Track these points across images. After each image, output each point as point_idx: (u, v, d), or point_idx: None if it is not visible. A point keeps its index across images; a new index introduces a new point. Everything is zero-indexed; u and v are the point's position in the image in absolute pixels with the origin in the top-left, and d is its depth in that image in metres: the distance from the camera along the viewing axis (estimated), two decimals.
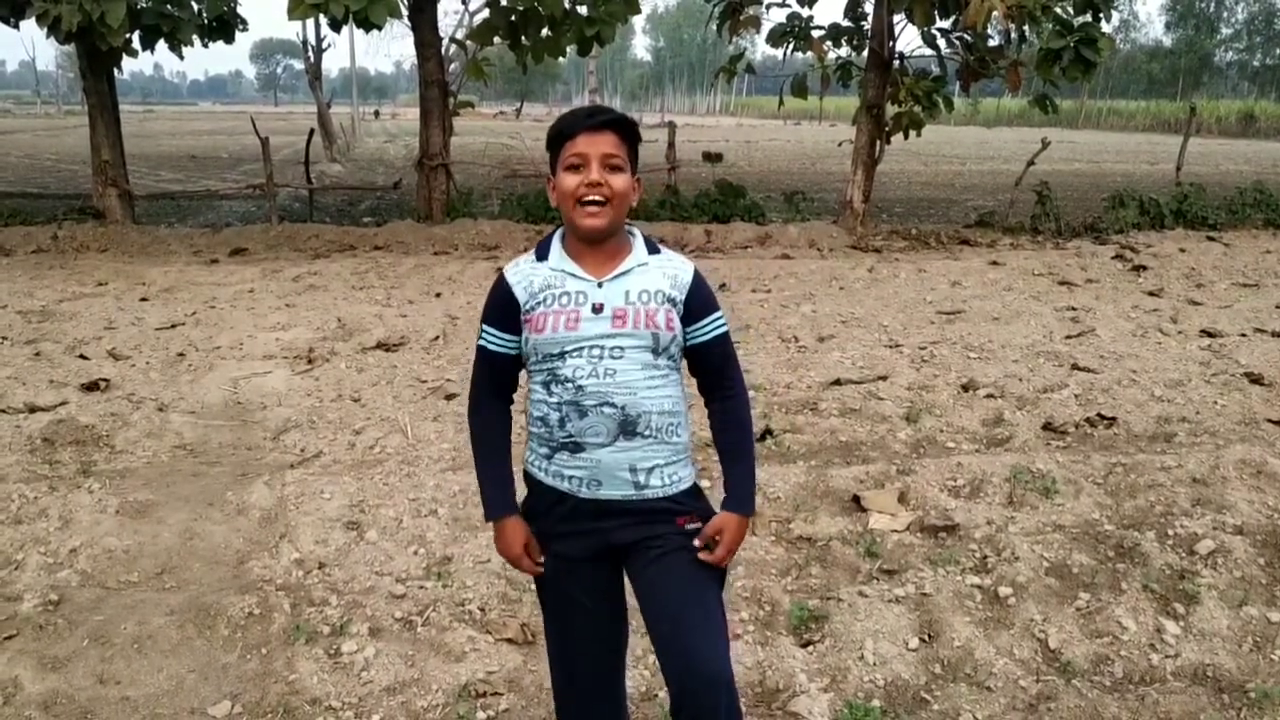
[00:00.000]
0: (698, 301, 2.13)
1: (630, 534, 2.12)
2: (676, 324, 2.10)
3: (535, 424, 2.15)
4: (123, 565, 3.78)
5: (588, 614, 2.22)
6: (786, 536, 4.06)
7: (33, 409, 5.37)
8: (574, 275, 2.08)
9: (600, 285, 2.07)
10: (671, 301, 2.09)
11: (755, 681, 3.11)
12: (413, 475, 4.60)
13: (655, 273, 2.10)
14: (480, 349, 2.19)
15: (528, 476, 2.21)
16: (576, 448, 2.08)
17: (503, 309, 2.13)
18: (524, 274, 2.12)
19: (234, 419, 5.41)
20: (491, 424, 2.23)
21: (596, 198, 2.02)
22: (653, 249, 2.15)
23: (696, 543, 2.15)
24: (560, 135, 2.06)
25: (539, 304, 2.08)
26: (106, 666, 3.13)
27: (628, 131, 2.07)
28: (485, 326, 2.17)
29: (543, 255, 2.13)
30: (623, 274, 2.08)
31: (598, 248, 2.09)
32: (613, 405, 2.04)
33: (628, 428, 2.06)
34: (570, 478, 2.11)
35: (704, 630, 2.07)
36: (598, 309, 2.05)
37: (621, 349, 2.05)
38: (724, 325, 2.18)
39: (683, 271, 2.13)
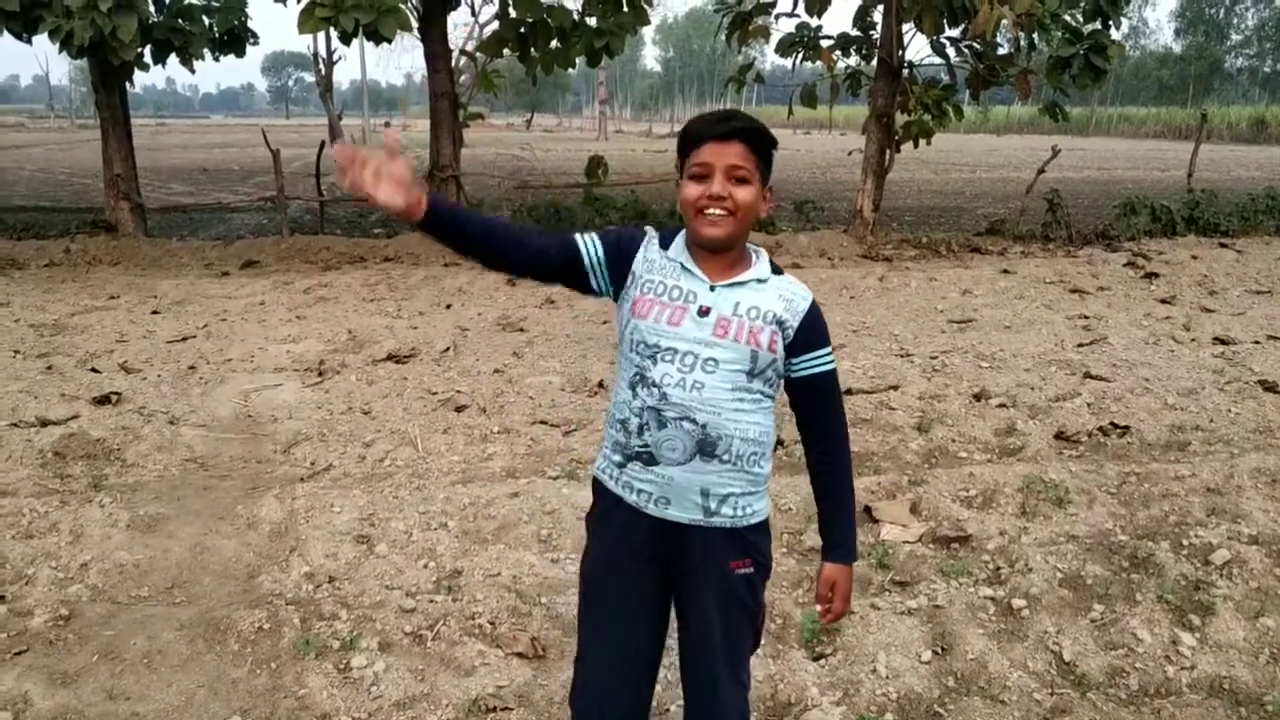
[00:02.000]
0: (812, 332, 2.05)
1: (690, 563, 2.09)
2: (779, 348, 2.01)
3: (614, 427, 2.09)
4: (133, 580, 3.78)
5: (635, 621, 2.16)
6: (798, 548, 4.04)
7: (44, 423, 5.38)
8: (690, 272, 2.02)
9: (713, 289, 2.00)
10: (780, 324, 2.01)
11: (767, 695, 3.09)
12: (423, 488, 4.60)
13: (771, 293, 2.03)
14: (573, 237, 2.08)
15: (597, 484, 2.16)
16: (650, 460, 2.02)
17: (620, 246, 2.07)
18: (653, 243, 2.08)
19: (244, 432, 5.42)
20: (512, 224, 2.12)
21: (718, 211, 1.95)
22: (776, 270, 2.08)
23: (818, 608, 2.18)
24: (688, 140, 1.99)
25: (648, 285, 2.03)
26: (116, 682, 3.12)
27: (758, 141, 1.97)
28: (594, 235, 2.08)
29: (665, 244, 2.08)
30: (738, 284, 2.02)
31: (718, 255, 2.02)
32: (693, 421, 1.97)
33: (706, 448, 1.98)
34: (640, 491, 2.05)
35: (731, 694, 2.16)
36: (704, 312, 1.98)
37: (716, 362, 1.97)
38: (833, 362, 2.10)
39: (800, 298, 2.05)
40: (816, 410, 2.13)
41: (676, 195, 2.06)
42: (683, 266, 2.03)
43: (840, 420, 2.15)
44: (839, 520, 2.19)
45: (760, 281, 2.03)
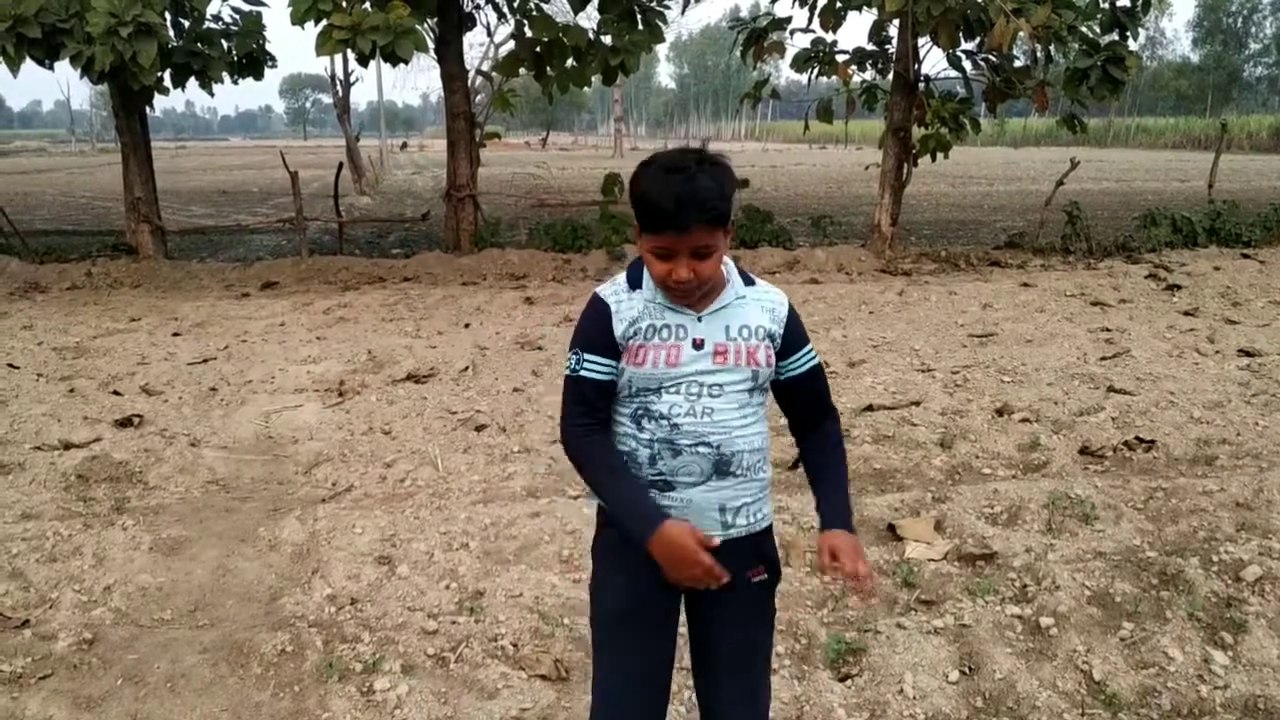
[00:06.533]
0: (795, 334, 2.09)
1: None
2: (774, 360, 2.06)
3: None
4: (156, 603, 3.78)
5: (651, 653, 2.16)
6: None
7: (67, 446, 5.41)
8: (671, 308, 2.00)
9: (700, 320, 2.00)
10: (771, 337, 2.05)
11: (793, 717, 3.06)
12: (443, 508, 4.59)
13: (754, 307, 2.05)
14: (580, 379, 2.03)
15: (604, 513, 2.14)
16: (666, 486, 2.02)
17: (603, 334, 2.01)
18: (621, 300, 2.02)
19: (266, 453, 5.43)
20: (611, 450, 2.05)
21: (686, 286, 1.94)
22: (748, 280, 2.09)
23: (829, 577, 2.21)
24: (645, 215, 1.91)
25: (637, 334, 1.99)
26: (140, 706, 3.12)
27: (720, 218, 1.90)
28: (586, 355, 2.02)
29: (635, 283, 2.04)
30: (722, 308, 2.02)
31: None
32: (708, 445, 1.99)
33: (721, 467, 2.01)
34: None
35: (751, 708, 2.20)
36: (698, 344, 1.99)
37: (721, 387, 1.99)
38: (817, 357, 2.16)
39: (779, 305, 2.09)
40: (810, 404, 2.19)
41: (637, 240, 1.98)
42: (664, 305, 2.00)
43: (831, 406, 2.22)
44: (841, 497, 2.16)
45: (740, 298, 2.05)
